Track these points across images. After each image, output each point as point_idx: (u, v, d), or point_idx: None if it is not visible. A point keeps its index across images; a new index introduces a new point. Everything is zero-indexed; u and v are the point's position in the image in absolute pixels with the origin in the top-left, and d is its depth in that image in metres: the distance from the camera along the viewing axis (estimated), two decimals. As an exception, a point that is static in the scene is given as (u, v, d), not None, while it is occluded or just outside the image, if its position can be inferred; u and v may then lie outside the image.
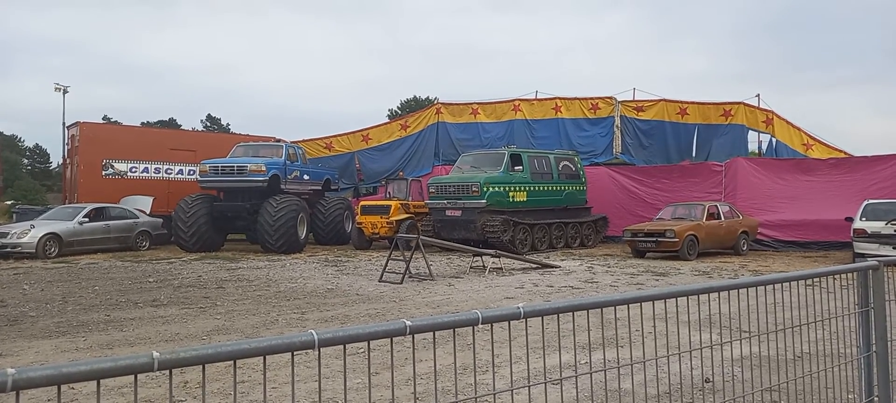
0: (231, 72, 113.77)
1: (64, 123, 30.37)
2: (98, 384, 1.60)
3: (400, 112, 57.88)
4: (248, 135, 24.97)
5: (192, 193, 19.96)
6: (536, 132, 25.10)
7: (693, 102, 23.73)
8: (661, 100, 23.98)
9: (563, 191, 20.50)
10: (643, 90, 28.01)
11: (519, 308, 2.23)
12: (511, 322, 2.27)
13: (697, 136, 23.44)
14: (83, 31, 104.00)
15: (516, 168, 19.52)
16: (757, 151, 23.50)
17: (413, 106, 57.65)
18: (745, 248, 18.01)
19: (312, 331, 1.84)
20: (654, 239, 16.67)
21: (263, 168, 19.42)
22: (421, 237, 14.09)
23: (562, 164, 20.81)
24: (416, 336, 2.05)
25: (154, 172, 22.62)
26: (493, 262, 14.20)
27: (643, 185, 22.25)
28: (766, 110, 22.62)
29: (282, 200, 18.94)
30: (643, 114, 24.07)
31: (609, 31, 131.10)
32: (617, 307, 2.58)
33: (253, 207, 19.24)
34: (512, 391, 2.44)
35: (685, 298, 2.81)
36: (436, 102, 28.07)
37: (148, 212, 20.66)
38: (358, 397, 4.97)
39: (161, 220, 20.59)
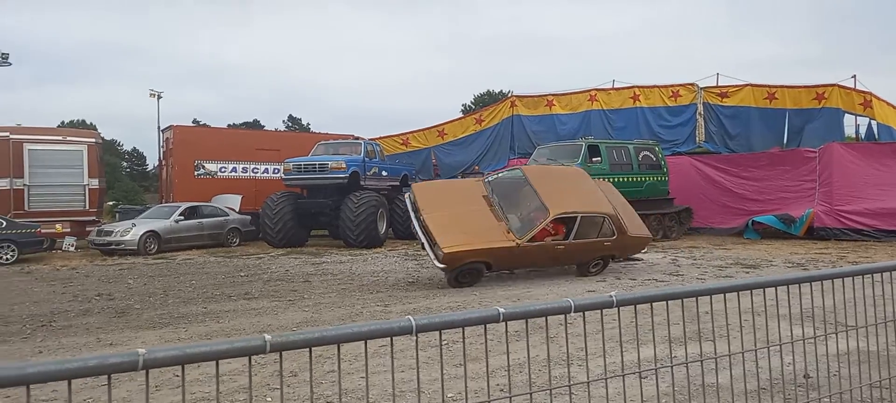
0: (310, 73, 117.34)
1: (159, 127, 32.25)
2: (217, 365, 1.72)
3: (474, 106, 57.97)
4: (327, 133, 25.69)
5: (277, 191, 20.74)
6: (614, 122, 24.54)
7: (782, 86, 22.49)
8: (746, 85, 22.89)
9: (644, 182, 19.96)
10: (727, 75, 26.77)
11: (611, 296, 2.22)
12: (603, 310, 2.26)
13: (788, 122, 22.24)
14: (173, 39, 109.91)
15: (594, 159, 19.15)
16: (854, 136, 22.06)
17: (487, 100, 57.56)
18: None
19: (410, 317, 1.90)
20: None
21: (343, 165, 19.93)
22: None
23: (642, 155, 20.26)
24: (508, 323, 2.09)
25: (241, 172, 23.66)
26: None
27: (730, 175, 21.34)
28: (863, 92, 21.15)
29: (362, 196, 19.38)
30: (728, 100, 23.05)
31: (678, 14, 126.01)
32: (712, 296, 2.52)
33: (334, 204, 19.78)
34: (605, 379, 2.43)
35: (785, 288, 2.71)
36: (510, 95, 27.98)
37: (237, 210, 21.62)
38: (451, 385, 5.04)
39: (249, 217, 21.50)
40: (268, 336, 1.70)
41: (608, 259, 12.22)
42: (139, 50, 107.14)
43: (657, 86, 24.30)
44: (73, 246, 19.48)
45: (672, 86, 23.98)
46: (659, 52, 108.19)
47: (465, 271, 10.84)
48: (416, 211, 11.58)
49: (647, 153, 20.50)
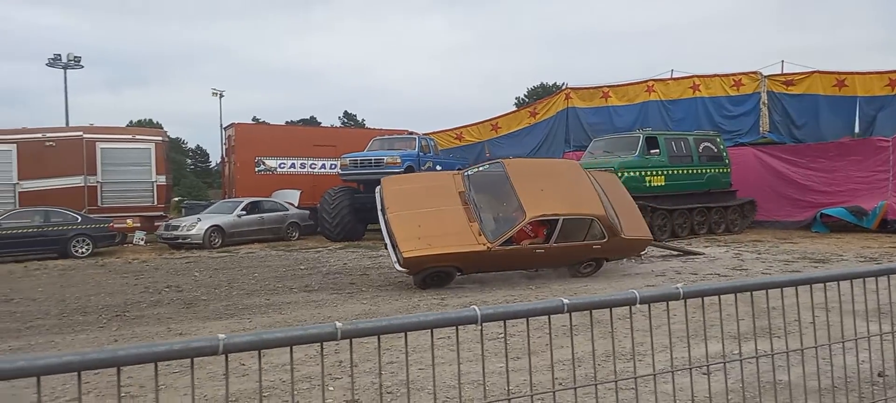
0: (363, 70, 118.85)
1: (221, 125, 33.33)
2: (291, 350, 1.78)
3: (527, 100, 57.54)
4: (382, 129, 26.00)
5: (334, 186, 21.14)
6: (673, 113, 23.92)
7: (852, 72, 21.45)
8: (814, 72, 21.92)
9: (705, 174, 19.42)
10: (792, 62, 25.72)
11: (678, 288, 2.19)
12: (669, 302, 2.23)
13: (859, 110, 21.20)
14: (232, 39, 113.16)
15: (652, 151, 18.76)
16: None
17: (540, 93, 57.05)
18: None
19: (475, 307, 1.93)
20: None
21: (399, 160, 20.13)
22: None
23: (702, 146, 19.71)
24: (572, 314, 2.09)
25: (300, 167, 24.21)
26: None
27: (796, 166, 20.52)
28: (941, 76, 19.98)
29: (416, 191, 19.53)
30: (793, 88, 22.14)
31: (736, 3, 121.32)
32: (783, 289, 2.45)
33: (390, 198, 20.00)
34: (672, 372, 2.40)
35: (860, 281, 2.61)
36: (564, 88, 27.63)
37: (296, 205, 22.15)
38: (512, 378, 5.06)
39: (308, 212, 21.99)
40: (339, 324, 1.76)
41: (602, 260, 11.23)
42: (202, 52, 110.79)
43: (718, 76, 23.56)
44: (143, 240, 20.36)
45: (734, 74, 23.20)
46: (717, 43, 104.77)
47: (434, 274, 10.15)
48: (382, 208, 10.86)
49: (708, 144, 19.94)
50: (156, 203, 21.48)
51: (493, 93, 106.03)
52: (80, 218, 18.03)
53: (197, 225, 18.96)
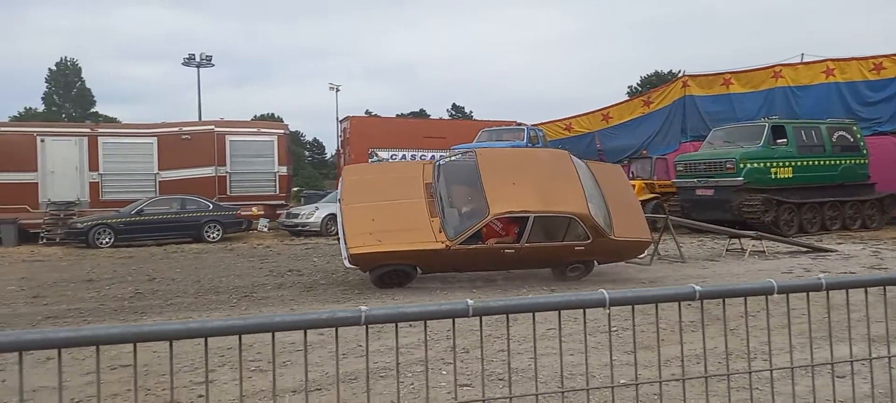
0: (471, 62, 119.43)
1: (337, 118, 34.77)
2: (425, 324, 1.87)
3: (640, 88, 55.57)
4: (491, 120, 26.09)
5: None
6: (802, 100, 22.22)
7: None
8: (969, 53, 19.66)
9: (838, 165, 17.95)
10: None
11: (820, 278, 2.09)
12: (810, 293, 2.13)
13: None
14: (346, 36, 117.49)
15: (779, 141, 17.58)
16: None
17: (655, 82, 54.89)
18: None
19: (603, 291, 1.93)
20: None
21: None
22: (669, 217, 13.54)
23: (836, 135, 18.22)
24: (704, 302, 2.04)
25: (410, 158, 24.81)
26: (754, 245, 13.05)
27: (946, 156, 18.55)
28: None
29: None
30: (946, 70, 19.97)
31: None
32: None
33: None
34: (811, 365, 2.28)
35: None
36: (682, 75, 26.43)
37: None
38: (623, 372, 4.97)
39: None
40: (470, 302, 1.83)
41: (590, 263, 10.07)
42: (319, 49, 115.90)
43: (855, 59, 21.62)
44: (266, 227, 21.68)
45: (874, 58, 21.21)
46: (853, 24, 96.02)
47: (390, 272, 9.48)
48: (338, 199, 10.23)
49: (843, 133, 18.40)
50: (278, 192, 22.81)
51: (602, 82, 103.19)
52: (211, 206, 19.48)
53: (315, 214, 19.92)
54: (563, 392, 2.29)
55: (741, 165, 17.02)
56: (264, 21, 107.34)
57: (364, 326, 1.77)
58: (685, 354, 4.92)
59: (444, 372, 5.24)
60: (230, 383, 4.91)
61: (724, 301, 2.05)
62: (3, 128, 21.57)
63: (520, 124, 23.35)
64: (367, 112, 60.10)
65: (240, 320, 1.71)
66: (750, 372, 2.29)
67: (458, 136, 23.52)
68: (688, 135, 23.88)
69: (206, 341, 1.74)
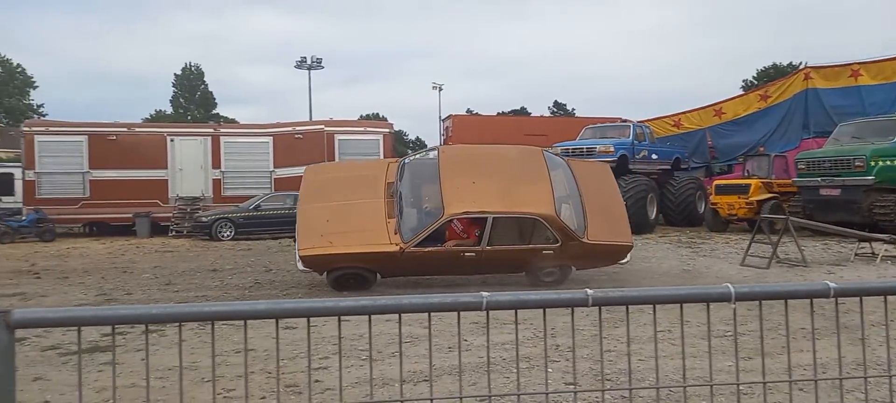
0: (573, 59, 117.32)
1: (440, 116, 35.34)
2: (544, 312, 1.91)
3: (757, 82, 52.46)
4: (595, 117, 25.57)
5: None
6: (944, 92, 20.21)
7: None
8: None
9: None
10: None
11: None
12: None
13: None
14: (452, 37, 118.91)
15: (917, 136, 16.07)
16: None
17: (773, 74, 51.62)
18: None
19: (728, 284, 1.88)
20: None
21: (611, 148, 19.72)
22: (790, 218, 12.72)
23: (983, 130, 16.40)
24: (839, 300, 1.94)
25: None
26: (886, 249, 12.03)
27: None
28: None
29: (630, 180, 18.98)
30: None
31: None
32: None
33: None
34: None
35: None
36: (803, 67, 24.70)
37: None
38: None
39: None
40: (590, 291, 1.84)
41: (567, 268, 9.39)
42: (423, 49, 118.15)
43: None
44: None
45: None
46: None
47: (347, 275, 9.18)
48: (297, 199, 9.86)
49: None
50: (383, 189, 23.50)
51: (718, 77, 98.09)
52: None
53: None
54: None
55: (872, 163, 15.72)
56: (370, 22, 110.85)
57: (485, 311, 1.83)
58: (813, 360, 4.65)
59: (551, 370, 5.24)
60: (344, 369, 5.14)
61: (861, 299, 1.94)
62: (138, 129, 23.58)
63: (625, 120, 22.68)
64: (468, 110, 60.59)
65: (369, 300, 1.82)
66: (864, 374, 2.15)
67: (559, 134, 23.23)
68: (811, 131, 22.26)
69: (339, 320, 1.87)
